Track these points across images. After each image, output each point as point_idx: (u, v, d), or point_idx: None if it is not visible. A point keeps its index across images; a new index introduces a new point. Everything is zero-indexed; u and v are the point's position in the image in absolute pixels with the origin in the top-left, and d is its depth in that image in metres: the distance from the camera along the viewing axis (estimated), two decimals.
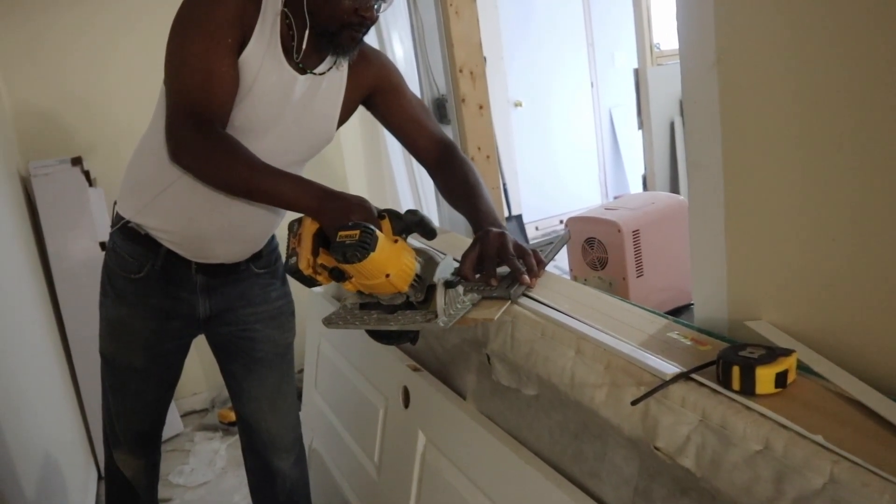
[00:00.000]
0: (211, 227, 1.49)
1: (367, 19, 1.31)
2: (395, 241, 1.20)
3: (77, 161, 2.92)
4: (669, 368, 0.94)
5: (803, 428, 0.77)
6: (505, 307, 1.24)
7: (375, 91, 1.53)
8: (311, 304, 2.37)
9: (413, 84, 2.70)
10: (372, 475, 1.83)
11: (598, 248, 1.58)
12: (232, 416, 3.22)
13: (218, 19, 1.28)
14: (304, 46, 1.35)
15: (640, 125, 4.48)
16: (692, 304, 1.78)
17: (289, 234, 1.28)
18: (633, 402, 0.92)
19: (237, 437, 3.19)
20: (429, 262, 1.23)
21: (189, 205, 1.46)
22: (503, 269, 1.33)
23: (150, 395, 1.69)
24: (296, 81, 1.39)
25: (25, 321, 2.41)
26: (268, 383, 1.72)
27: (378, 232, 1.15)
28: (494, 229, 1.32)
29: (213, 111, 1.30)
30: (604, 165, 5.81)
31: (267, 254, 1.67)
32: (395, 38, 2.97)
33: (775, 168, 1.01)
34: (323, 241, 1.25)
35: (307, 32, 1.34)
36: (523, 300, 1.28)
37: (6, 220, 2.44)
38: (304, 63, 1.39)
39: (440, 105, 2.56)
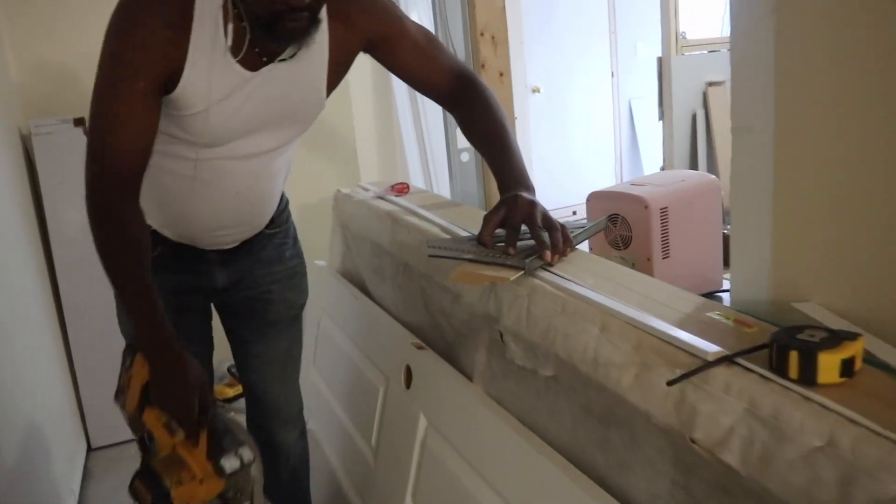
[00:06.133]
0: (208, 226, 1.44)
1: (296, 6, 1.11)
2: (200, 482, 1.22)
3: (80, 122, 2.81)
4: (712, 348, 0.82)
5: (874, 423, 0.66)
6: (520, 273, 1.13)
7: (369, 45, 1.38)
8: (315, 276, 2.27)
9: None
10: (368, 459, 1.72)
11: (621, 225, 1.46)
12: (229, 393, 3.12)
13: (132, 64, 1.15)
14: (245, 44, 1.20)
15: (661, 116, 4.35)
16: (717, 293, 1.66)
17: (123, 360, 1.30)
18: (670, 383, 0.81)
19: (232, 414, 3.12)
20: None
21: (181, 210, 1.41)
22: (524, 242, 1.23)
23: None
24: (257, 77, 1.24)
25: (17, 284, 2.31)
26: (279, 347, 1.65)
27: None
28: (525, 195, 1.21)
29: (123, 176, 1.21)
30: (620, 157, 5.67)
31: (277, 214, 1.56)
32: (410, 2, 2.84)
33: (837, 131, 0.89)
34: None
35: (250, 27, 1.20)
36: (541, 273, 1.17)
37: (2, 178, 2.34)
38: (266, 55, 1.25)
39: None
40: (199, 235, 1.46)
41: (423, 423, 1.47)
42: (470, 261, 1.21)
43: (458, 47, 2.20)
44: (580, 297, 1.04)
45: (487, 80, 1.90)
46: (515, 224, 1.21)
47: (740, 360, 0.80)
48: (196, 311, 1.56)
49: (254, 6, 1.14)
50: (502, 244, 1.24)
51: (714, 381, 0.79)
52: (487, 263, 1.18)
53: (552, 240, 1.19)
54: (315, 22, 1.16)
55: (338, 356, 2.01)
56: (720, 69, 4.31)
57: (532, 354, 1.13)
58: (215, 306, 1.63)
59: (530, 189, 1.27)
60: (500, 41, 1.91)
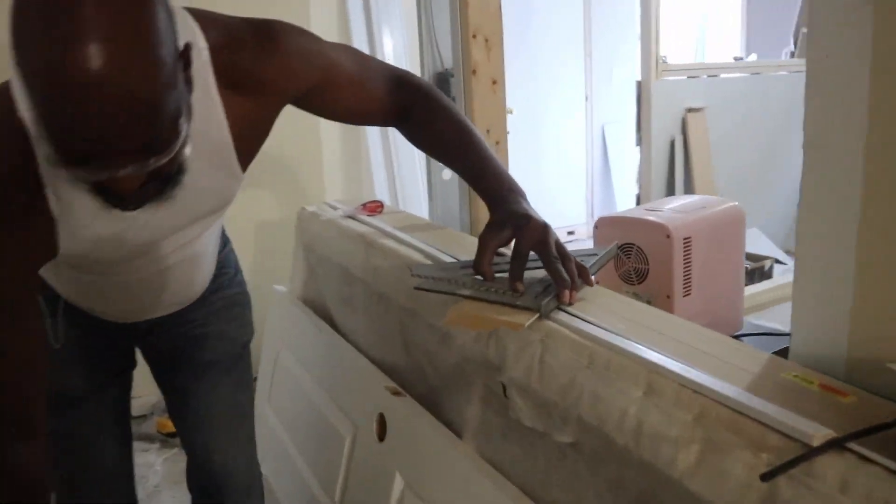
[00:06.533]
0: (132, 316, 1.23)
1: (121, 195, 0.81)
2: None
3: None
4: (816, 429, 0.62)
5: None
6: (534, 318, 0.92)
7: (296, 101, 1.09)
8: (273, 303, 2.03)
9: (413, 56, 2.35)
10: None
11: (636, 256, 1.27)
12: (171, 426, 2.85)
13: None
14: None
15: (639, 141, 4.21)
16: (740, 336, 1.47)
17: None
18: (765, 477, 0.60)
19: (176, 450, 2.83)
20: None
21: (95, 304, 1.20)
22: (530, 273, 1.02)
23: (107, 431, 1.31)
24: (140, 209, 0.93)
25: None
26: (221, 393, 1.36)
27: None
28: (537, 216, 1.01)
29: (18, 413, 0.97)
30: (592, 183, 5.53)
31: None
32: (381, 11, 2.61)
33: None
34: None
35: None
36: (557, 314, 0.96)
37: None
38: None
39: (443, 81, 2.21)
40: (121, 319, 1.23)
41: (398, 483, 1.24)
42: (470, 298, 1.00)
43: (444, 50, 2.00)
44: (614, 347, 0.83)
45: (478, 87, 1.71)
46: (524, 251, 1.00)
47: (854, 445, 0.60)
48: (112, 350, 1.29)
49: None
50: (502, 274, 1.04)
51: (823, 476, 0.59)
52: (491, 302, 0.97)
53: (568, 273, 0.98)
54: (169, 182, 0.83)
55: (297, 395, 1.76)
56: (700, 95, 4.20)
57: (545, 415, 0.91)
58: (140, 351, 1.36)
59: (524, 195, 1.08)
60: (493, 44, 1.71)
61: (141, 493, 2.54)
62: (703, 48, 5.66)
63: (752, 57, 5.12)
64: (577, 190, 5.47)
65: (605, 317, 0.93)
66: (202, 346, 1.32)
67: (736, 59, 4.95)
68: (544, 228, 0.99)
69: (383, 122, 1.21)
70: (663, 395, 0.74)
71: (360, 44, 2.83)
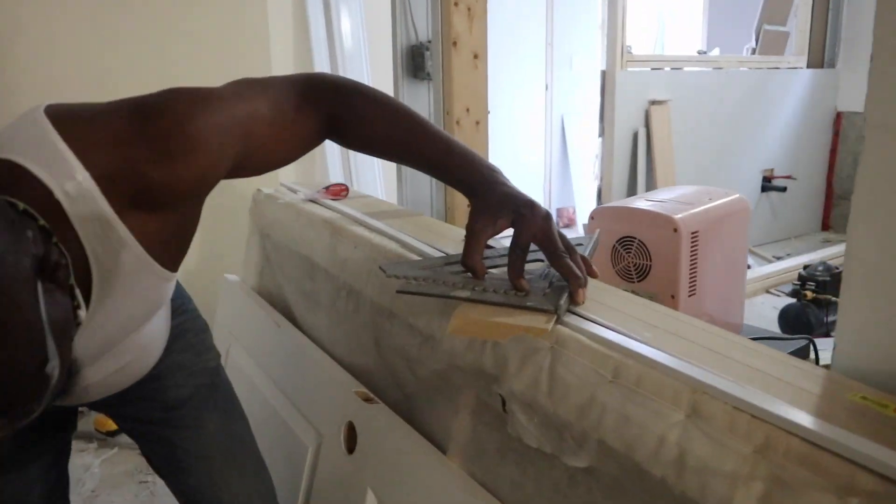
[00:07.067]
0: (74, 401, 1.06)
1: None
2: None
3: None
4: None
5: None
6: (553, 320, 0.80)
7: (228, 175, 0.88)
8: (224, 293, 1.87)
9: (377, 31, 2.18)
10: None
11: (637, 251, 1.15)
12: (112, 425, 2.65)
13: None
14: None
15: (602, 132, 4.13)
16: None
17: None
18: None
19: (116, 449, 2.64)
20: None
21: None
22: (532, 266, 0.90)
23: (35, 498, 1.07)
24: None
25: None
26: (208, 429, 1.15)
27: None
28: (538, 203, 0.88)
29: None
30: (550, 174, 5.45)
31: None
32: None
33: None
34: None
35: None
36: (568, 317, 0.83)
37: None
38: None
39: (416, 55, 2.04)
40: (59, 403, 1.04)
41: (371, 501, 1.11)
42: (469, 301, 0.86)
43: (417, 24, 1.84)
44: (644, 359, 0.71)
45: (459, 61, 1.56)
46: (524, 243, 0.87)
47: None
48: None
49: None
50: (497, 269, 0.91)
51: None
52: (496, 304, 0.84)
53: (578, 269, 0.86)
54: (59, 394, 0.69)
55: (251, 397, 1.61)
56: (663, 88, 4.14)
57: (555, 435, 0.78)
58: (87, 407, 1.15)
59: (502, 173, 0.95)
60: (477, 14, 1.56)
61: (77, 499, 2.35)
62: (661, 41, 5.62)
63: (716, 51, 5.10)
64: (534, 181, 5.38)
65: (625, 321, 0.81)
66: (163, 384, 1.11)
67: (700, 52, 4.92)
68: (547, 217, 0.86)
69: (319, 139, 0.99)
70: (712, 419, 0.62)
71: (317, 19, 2.66)
